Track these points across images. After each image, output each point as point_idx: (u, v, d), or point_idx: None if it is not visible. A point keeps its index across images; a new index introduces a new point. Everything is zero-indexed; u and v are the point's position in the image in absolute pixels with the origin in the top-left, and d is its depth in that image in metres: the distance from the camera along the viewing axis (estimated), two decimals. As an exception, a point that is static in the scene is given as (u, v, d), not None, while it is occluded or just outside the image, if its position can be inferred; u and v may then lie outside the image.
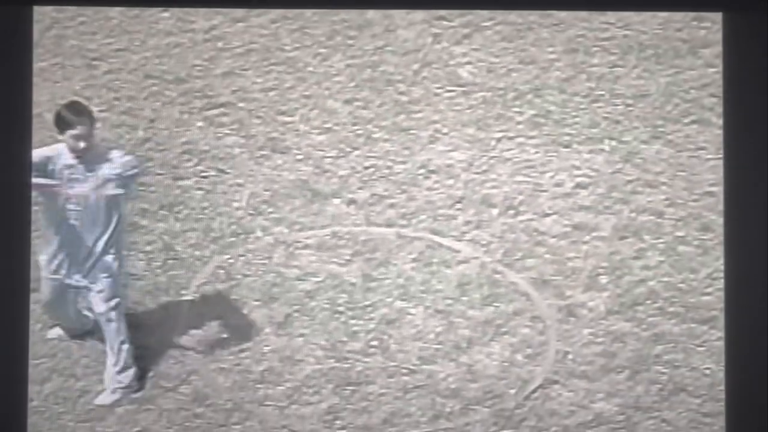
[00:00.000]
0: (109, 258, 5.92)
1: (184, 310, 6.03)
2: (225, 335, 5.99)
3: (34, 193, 5.67)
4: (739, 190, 4.53)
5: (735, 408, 4.48)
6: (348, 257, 6.41)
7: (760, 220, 4.47)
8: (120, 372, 5.89)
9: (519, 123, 6.88)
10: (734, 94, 4.45)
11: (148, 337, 6.05)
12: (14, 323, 4.52)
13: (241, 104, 6.95)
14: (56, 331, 6.06)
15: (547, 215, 6.57)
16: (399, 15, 7.09)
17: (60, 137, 5.97)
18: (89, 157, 5.95)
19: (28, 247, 4.49)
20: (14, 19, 4.43)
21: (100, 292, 5.87)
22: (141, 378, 5.94)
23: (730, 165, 4.51)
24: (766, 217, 4.47)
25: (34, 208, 5.64)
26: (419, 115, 6.88)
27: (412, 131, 6.82)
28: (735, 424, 4.48)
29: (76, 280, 5.88)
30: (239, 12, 7.09)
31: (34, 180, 5.68)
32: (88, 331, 5.98)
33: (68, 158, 5.90)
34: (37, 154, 5.82)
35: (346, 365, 6.09)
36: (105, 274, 5.90)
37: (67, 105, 6.03)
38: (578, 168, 6.75)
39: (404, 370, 6.09)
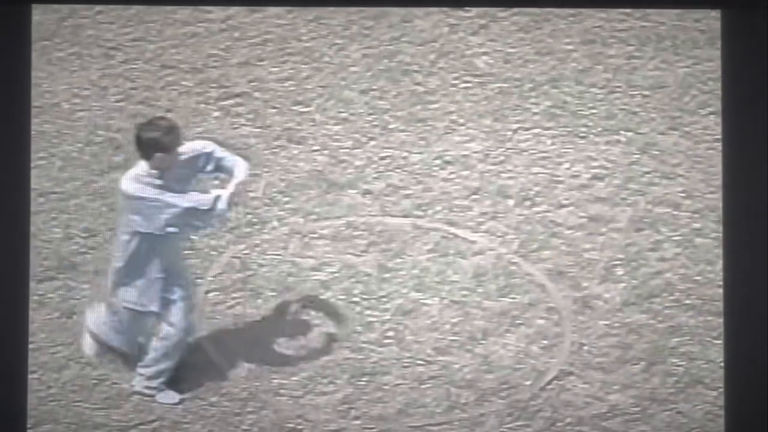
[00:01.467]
0: (184, 274, 5.72)
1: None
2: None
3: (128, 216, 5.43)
4: (738, 184, 4.51)
5: (735, 401, 4.46)
6: (363, 248, 6.41)
7: (759, 214, 4.45)
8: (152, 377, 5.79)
9: (535, 114, 6.86)
10: (733, 90, 4.43)
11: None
12: (15, 317, 4.52)
13: (257, 94, 6.95)
14: (91, 346, 5.89)
15: (563, 206, 6.55)
16: (415, 5, 7.07)
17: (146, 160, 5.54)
18: (173, 175, 5.61)
19: (27, 243, 4.50)
20: (12, 17, 4.42)
21: (178, 309, 5.67)
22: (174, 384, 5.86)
23: (729, 161, 4.49)
24: (765, 210, 4.45)
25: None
26: (435, 105, 6.86)
27: (428, 122, 6.81)
28: (735, 417, 4.46)
29: (146, 302, 5.67)
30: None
31: (139, 193, 5.45)
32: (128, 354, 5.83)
33: (154, 178, 5.54)
34: (132, 180, 5.48)
35: (361, 356, 6.08)
36: (183, 290, 5.71)
37: (151, 124, 5.59)
38: (594, 159, 6.72)
39: (419, 361, 6.08)
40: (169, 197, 5.61)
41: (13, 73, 4.44)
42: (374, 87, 6.84)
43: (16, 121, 4.47)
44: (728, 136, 4.49)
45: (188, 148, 5.80)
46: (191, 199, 5.65)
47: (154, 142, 5.66)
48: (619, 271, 6.34)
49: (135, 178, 5.65)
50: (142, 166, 5.69)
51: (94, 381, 6.00)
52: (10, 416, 4.48)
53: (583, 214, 6.53)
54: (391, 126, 6.81)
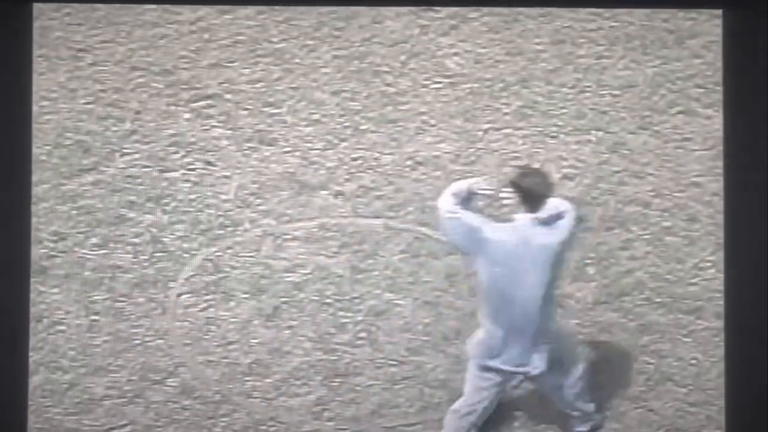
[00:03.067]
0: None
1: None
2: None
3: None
4: (739, 185, 4.54)
5: (734, 401, 4.48)
6: (336, 249, 6.41)
7: (760, 214, 4.48)
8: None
9: (506, 114, 6.89)
10: (734, 90, 4.46)
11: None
12: (14, 319, 4.48)
13: (228, 96, 6.93)
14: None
15: (535, 206, 6.56)
16: (386, 6, 7.08)
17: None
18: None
19: (29, 240, 4.47)
20: (14, 16, 4.39)
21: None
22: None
23: (730, 162, 4.51)
24: (766, 211, 4.48)
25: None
26: (406, 106, 6.88)
27: (399, 123, 6.81)
28: (734, 417, 4.48)
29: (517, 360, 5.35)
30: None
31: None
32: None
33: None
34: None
35: (334, 357, 6.09)
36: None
37: (535, 174, 5.43)
38: (565, 159, 6.75)
39: (392, 362, 6.09)
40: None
41: (14, 72, 4.39)
42: (345, 88, 6.84)
43: (17, 121, 4.43)
44: (729, 136, 4.51)
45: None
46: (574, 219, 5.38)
47: (550, 189, 5.44)
48: (590, 270, 6.37)
49: (540, 222, 5.38)
50: (523, 218, 5.41)
51: (65, 385, 5.96)
52: (9, 421, 4.45)
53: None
54: (362, 127, 6.81)
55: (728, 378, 4.47)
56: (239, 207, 6.55)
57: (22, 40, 4.44)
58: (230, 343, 6.11)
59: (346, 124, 6.81)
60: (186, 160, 6.69)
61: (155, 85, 6.93)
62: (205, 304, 6.23)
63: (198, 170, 6.66)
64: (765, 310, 4.46)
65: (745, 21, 4.40)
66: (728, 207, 4.48)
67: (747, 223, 4.50)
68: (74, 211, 6.48)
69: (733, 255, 4.48)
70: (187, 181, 6.62)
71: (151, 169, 6.66)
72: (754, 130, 4.49)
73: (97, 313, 6.15)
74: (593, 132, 6.85)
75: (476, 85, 6.95)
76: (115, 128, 6.80)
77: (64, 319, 6.15)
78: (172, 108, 6.86)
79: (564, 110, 6.91)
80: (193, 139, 6.76)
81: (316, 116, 6.86)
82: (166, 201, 6.56)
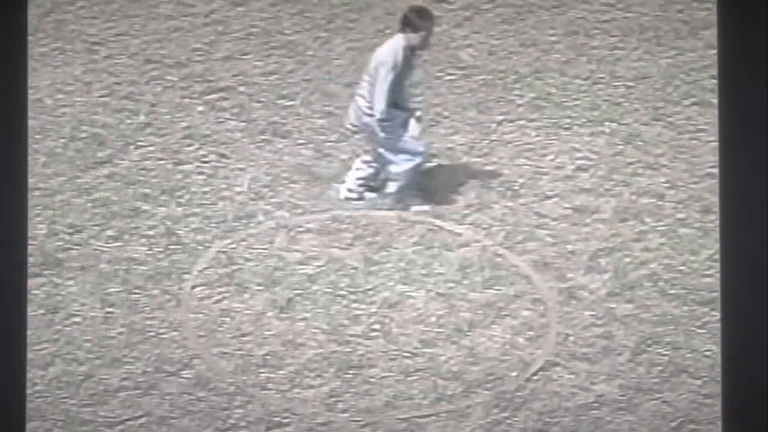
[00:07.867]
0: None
1: None
2: None
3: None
4: (735, 175, 4.51)
5: (732, 390, 4.46)
6: (349, 241, 6.42)
7: (757, 203, 4.45)
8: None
9: (519, 106, 6.88)
10: (730, 78, 4.43)
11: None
12: (13, 311, 4.49)
13: (241, 88, 6.95)
14: None
15: (548, 198, 6.57)
16: (399, -2, 7.09)
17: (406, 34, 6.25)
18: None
19: (25, 235, 4.47)
20: (8, 6, 4.38)
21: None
22: None
23: (726, 152, 4.49)
24: (765, 200, 4.46)
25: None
26: (420, 98, 6.88)
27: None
28: (731, 408, 4.47)
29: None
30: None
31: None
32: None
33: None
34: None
35: (348, 349, 6.10)
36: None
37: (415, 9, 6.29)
38: (579, 150, 6.75)
39: (406, 354, 6.10)
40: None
41: (9, 64, 4.38)
42: (358, 80, 6.85)
43: (13, 111, 4.42)
44: (724, 126, 4.47)
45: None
46: None
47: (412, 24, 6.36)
48: (604, 262, 6.37)
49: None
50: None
51: (81, 377, 5.99)
52: (7, 414, 4.45)
53: (567, 205, 6.56)
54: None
55: (725, 369, 4.44)
56: (253, 199, 6.56)
57: (17, 31, 4.43)
58: (244, 335, 6.13)
59: (360, 116, 6.80)
60: (200, 152, 6.71)
61: (169, 77, 6.95)
62: (219, 296, 6.25)
63: (212, 163, 6.68)
64: (762, 300, 4.44)
65: (741, 7, 4.36)
66: (725, 192, 4.44)
67: (743, 216, 4.46)
68: (89, 204, 6.51)
69: (729, 247, 4.44)
70: (201, 173, 6.64)
71: (165, 161, 6.68)
72: (750, 119, 4.45)
73: (112, 305, 6.19)
74: (607, 123, 6.83)
75: (489, 76, 6.94)
76: (129, 121, 6.83)
77: (80, 311, 6.19)
78: (186, 101, 6.87)
79: (577, 102, 6.90)
80: (207, 132, 6.78)
81: (329, 108, 6.87)
82: (180, 193, 6.58)
